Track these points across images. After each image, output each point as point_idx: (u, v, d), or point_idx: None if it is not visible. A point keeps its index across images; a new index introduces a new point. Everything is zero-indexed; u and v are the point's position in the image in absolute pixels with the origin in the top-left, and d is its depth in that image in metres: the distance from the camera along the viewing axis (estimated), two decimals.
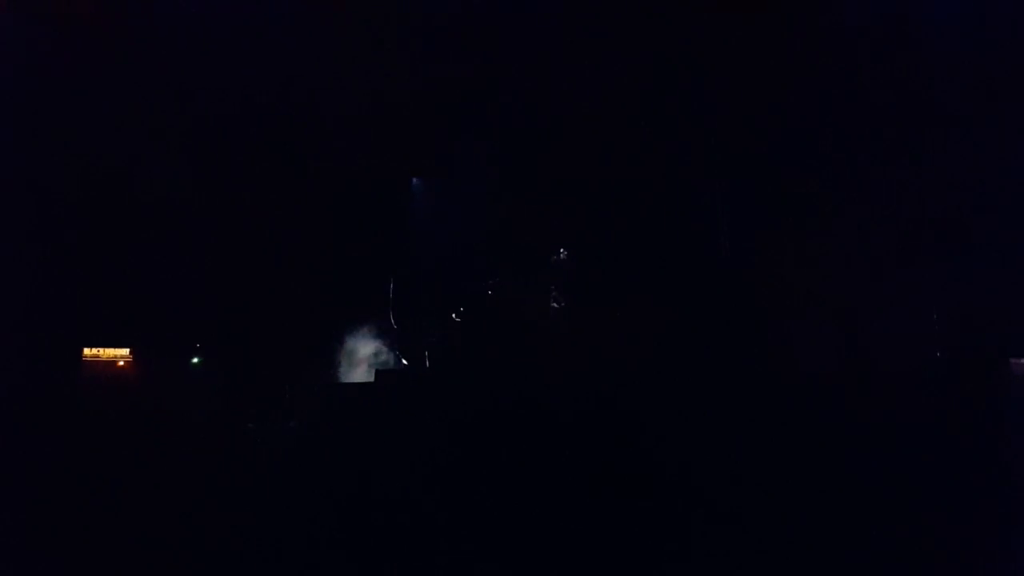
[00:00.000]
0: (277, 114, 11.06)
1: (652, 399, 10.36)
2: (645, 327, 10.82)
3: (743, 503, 9.49)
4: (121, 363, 10.24)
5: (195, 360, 10.74)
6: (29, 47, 10.19)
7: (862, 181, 11.00)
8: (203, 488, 10.02)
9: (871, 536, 9.01)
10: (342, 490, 10.25)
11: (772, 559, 9.14)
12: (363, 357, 11.68)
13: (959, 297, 10.57)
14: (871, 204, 10.96)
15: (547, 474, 10.40)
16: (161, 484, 9.85)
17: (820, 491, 9.39)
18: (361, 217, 11.64)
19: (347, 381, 11.47)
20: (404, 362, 11.87)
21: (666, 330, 10.79)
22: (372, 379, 11.22)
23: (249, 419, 10.59)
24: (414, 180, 12.14)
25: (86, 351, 10.17)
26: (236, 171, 11.05)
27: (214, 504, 9.94)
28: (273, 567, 9.55)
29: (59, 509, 9.40)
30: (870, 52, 10.97)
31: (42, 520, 9.26)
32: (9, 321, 9.62)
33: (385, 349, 11.87)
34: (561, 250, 11.72)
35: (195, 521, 9.82)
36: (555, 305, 11.47)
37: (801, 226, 10.97)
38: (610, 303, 11.35)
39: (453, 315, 11.99)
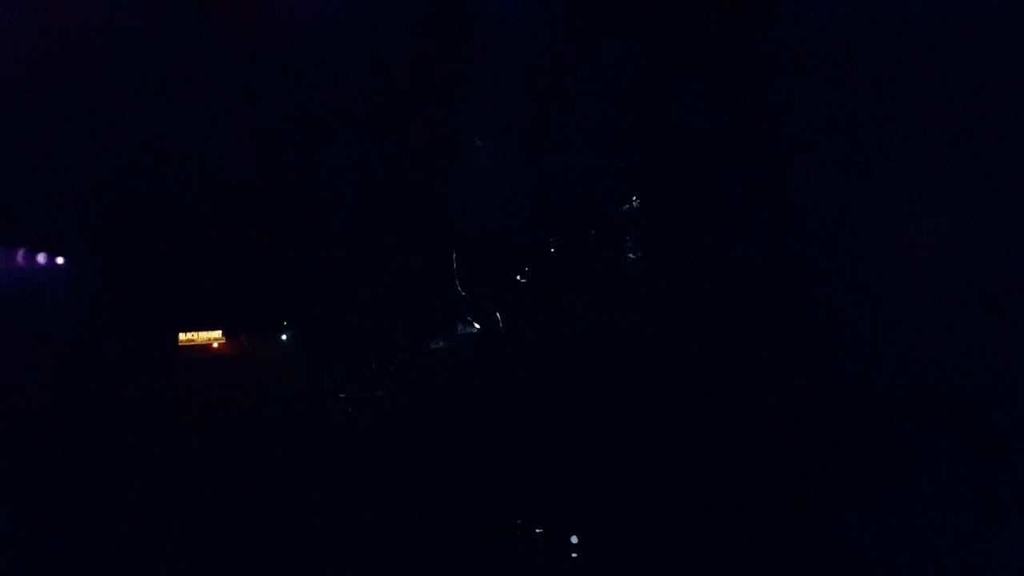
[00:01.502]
0: (342, 89, 11.18)
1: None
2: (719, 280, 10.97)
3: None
4: (215, 345, 10.67)
5: (284, 336, 11.14)
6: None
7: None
8: (300, 459, 10.60)
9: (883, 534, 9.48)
10: (430, 456, 10.79)
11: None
12: (440, 324, 11.99)
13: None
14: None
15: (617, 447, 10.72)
16: (263, 459, 10.44)
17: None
18: (426, 185, 11.79)
19: (429, 348, 11.82)
20: (476, 327, 12.16)
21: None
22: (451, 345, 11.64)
23: (339, 390, 11.08)
24: (478, 143, 12.20)
25: (181, 336, 10.60)
26: (307, 150, 11.23)
27: (311, 473, 10.54)
28: (364, 532, 10.18)
29: (166, 490, 10.05)
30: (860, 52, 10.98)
31: (153, 499, 9.92)
32: (106, 316, 10.06)
33: (460, 315, 12.16)
34: (633, 198, 11.75)
35: (296, 490, 10.45)
36: (631, 256, 11.58)
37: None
38: (687, 254, 11.45)
39: (518, 276, 12.23)
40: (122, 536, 9.70)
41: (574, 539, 9.86)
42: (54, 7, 10.19)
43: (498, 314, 12.30)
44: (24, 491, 9.66)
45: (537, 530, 9.91)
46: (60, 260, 10.28)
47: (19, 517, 9.52)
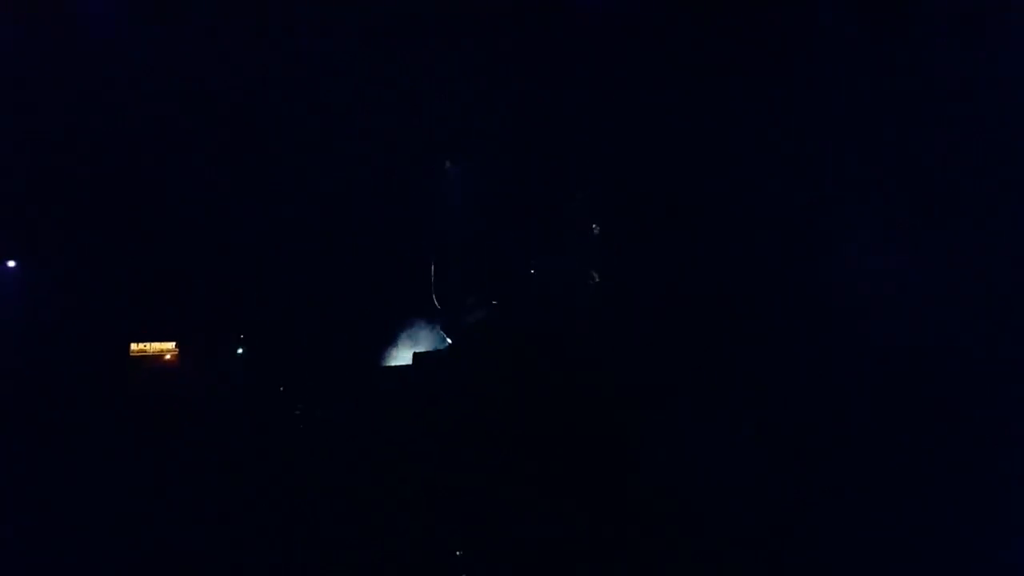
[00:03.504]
0: (308, 103, 11.19)
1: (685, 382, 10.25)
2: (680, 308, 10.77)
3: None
4: (168, 356, 10.55)
5: (239, 350, 10.97)
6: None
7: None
8: (251, 470, 10.30)
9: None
10: (382, 471, 10.42)
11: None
12: (405, 340, 11.76)
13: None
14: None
15: (584, 456, 10.38)
16: (209, 468, 10.16)
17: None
18: (397, 201, 11.68)
19: (389, 364, 11.57)
20: (448, 341, 11.91)
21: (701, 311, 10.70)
22: (411, 362, 11.36)
23: (294, 404, 10.83)
24: (447, 163, 12.14)
25: (133, 346, 10.49)
26: (274, 164, 11.23)
27: (262, 485, 10.22)
28: (313, 546, 9.79)
29: (109, 495, 9.79)
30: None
31: (93, 504, 9.67)
32: (59, 321, 10.02)
33: (427, 331, 11.93)
34: (594, 226, 11.64)
35: (243, 502, 10.11)
36: (591, 282, 11.43)
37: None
38: (645, 281, 11.26)
39: (493, 300, 12.06)
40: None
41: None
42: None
43: (470, 330, 12.09)
44: None
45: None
46: (11, 264, 10.35)
47: None
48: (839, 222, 10.88)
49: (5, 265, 10.31)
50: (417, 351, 11.36)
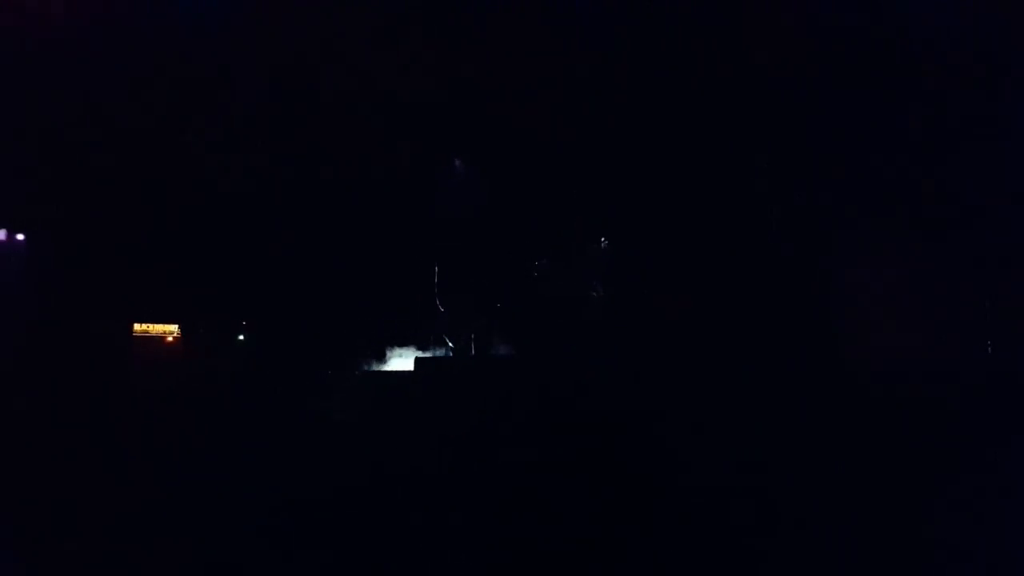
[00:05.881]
0: (317, 101, 11.04)
1: (685, 394, 10.23)
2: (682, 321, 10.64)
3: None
4: (169, 339, 10.56)
5: (240, 337, 10.96)
6: None
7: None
8: (241, 463, 10.31)
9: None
10: (373, 473, 10.41)
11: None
12: (407, 344, 11.71)
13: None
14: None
15: (581, 467, 10.33)
16: (201, 457, 10.19)
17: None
18: (401, 200, 11.55)
19: (390, 368, 11.53)
20: (450, 346, 11.85)
21: (701, 324, 10.57)
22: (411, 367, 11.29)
23: (289, 399, 10.81)
24: (456, 162, 11.95)
25: (136, 327, 10.51)
26: (281, 158, 11.12)
27: (251, 479, 10.23)
28: (302, 545, 9.82)
29: (108, 475, 9.84)
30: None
31: (88, 485, 9.72)
32: (63, 299, 10.03)
33: (430, 334, 11.86)
34: (602, 239, 11.50)
35: (232, 495, 10.14)
36: (594, 294, 11.34)
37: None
38: (649, 294, 11.14)
39: (497, 303, 11.96)
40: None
41: None
42: None
43: (472, 336, 12.01)
44: None
45: None
46: (20, 236, 10.35)
47: None
48: (844, 231, 10.72)
49: (13, 238, 10.33)
50: (419, 356, 11.28)
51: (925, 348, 10.07)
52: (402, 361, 11.62)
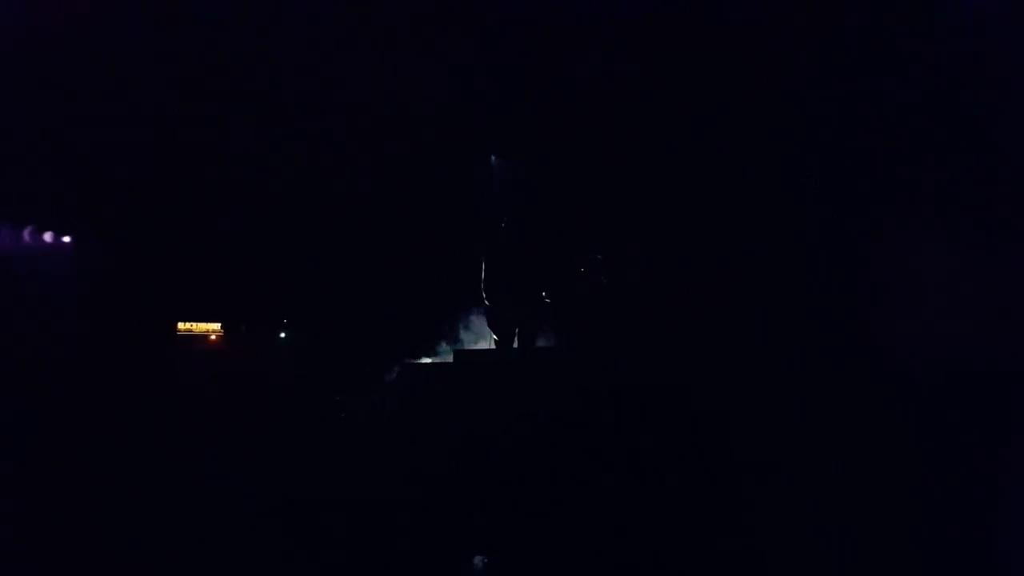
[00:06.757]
0: (359, 99, 11.04)
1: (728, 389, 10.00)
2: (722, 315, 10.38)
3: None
4: (213, 337, 10.69)
5: (282, 335, 11.03)
6: None
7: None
8: (287, 456, 10.37)
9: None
10: (414, 462, 10.34)
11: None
12: (449, 336, 11.63)
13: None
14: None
15: (619, 461, 10.12)
16: (246, 451, 10.28)
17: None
18: (442, 194, 11.49)
19: (435, 359, 11.46)
20: (495, 338, 11.72)
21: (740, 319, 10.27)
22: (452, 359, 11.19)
23: (334, 392, 10.84)
24: (492, 158, 11.84)
25: (180, 325, 10.67)
26: (324, 156, 11.14)
27: (296, 471, 10.28)
28: (344, 536, 9.81)
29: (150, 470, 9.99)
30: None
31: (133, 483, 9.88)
32: (108, 298, 10.23)
33: (473, 327, 11.75)
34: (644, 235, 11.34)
35: (278, 486, 10.20)
36: (634, 287, 11.19)
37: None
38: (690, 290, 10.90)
39: (544, 295, 11.79)
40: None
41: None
42: None
43: (517, 330, 11.86)
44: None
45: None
46: (66, 239, 10.60)
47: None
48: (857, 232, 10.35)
49: (61, 241, 10.59)
50: (458, 349, 11.18)
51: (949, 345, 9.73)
52: (444, 355, 11.56)
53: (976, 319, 9.69)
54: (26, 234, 10.46)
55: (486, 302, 11.82)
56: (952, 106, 9.86)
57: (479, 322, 11.92)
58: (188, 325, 10.54)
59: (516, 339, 11.74)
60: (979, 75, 9.70)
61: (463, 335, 11.63)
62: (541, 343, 11.61)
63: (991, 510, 8.61)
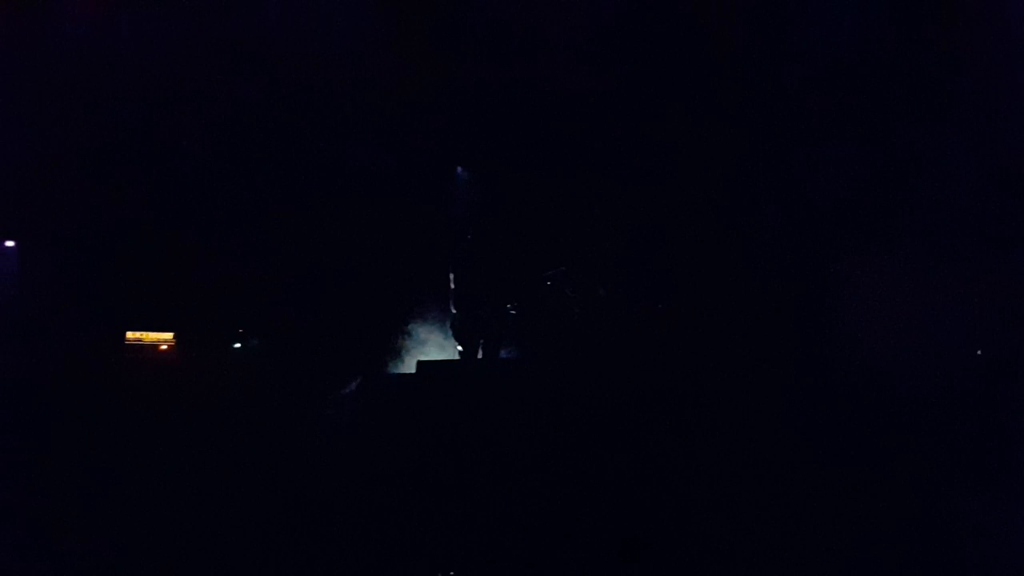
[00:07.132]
0: (322, 102, 10.83)
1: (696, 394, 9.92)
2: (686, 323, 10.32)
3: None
4: (164, 347, 10.26)
5: (237, 345, 10.65)
6: None
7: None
8: (239, 471, 9.98)
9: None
10: (373, 476, 10.06)
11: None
12: (414, 345, 11.38)
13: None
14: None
15: (588, 472, 9.97)
16: (197, 467, 9.87)
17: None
18: (408, 205, 11.29)
19: (394, 371, 11.18)
20: (459, 349, 11.49)
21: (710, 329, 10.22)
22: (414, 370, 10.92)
23: (290, 405, 10.47)
24: (459, 169, 11.71)
25: (129, 335, 10.23)
26: (283, 160, 10.91)
27: (250, 487, 9.90)
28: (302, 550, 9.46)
29: (96, 489, 9.54)
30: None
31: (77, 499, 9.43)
32: (54, 304, 9.81)
33: (436, 337, 11.52)
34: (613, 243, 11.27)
35: (231, 503, 9.80)
36: (601, 293, 11.07)
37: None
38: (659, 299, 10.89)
39: (509, 307, 11.67)
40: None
41: None
42: None
43: (481, 341, 11.67)
44: None
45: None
46: (9, 244, 10.15)
47: None
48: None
49: (3, 245, 10.16)
50: (421, 359, 10.91)
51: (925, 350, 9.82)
52: (407, 365, 11.31)
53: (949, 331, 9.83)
54: None
55: (452, 310, 11.65)
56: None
57: (443, 333, 11.72)
58: (138, 334, 10.09)
59: (480, 350, 11.58)
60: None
61: (426, 346, 11.39)
62: (504, 355, 11.46)
63: (975, 513, 8.66)
